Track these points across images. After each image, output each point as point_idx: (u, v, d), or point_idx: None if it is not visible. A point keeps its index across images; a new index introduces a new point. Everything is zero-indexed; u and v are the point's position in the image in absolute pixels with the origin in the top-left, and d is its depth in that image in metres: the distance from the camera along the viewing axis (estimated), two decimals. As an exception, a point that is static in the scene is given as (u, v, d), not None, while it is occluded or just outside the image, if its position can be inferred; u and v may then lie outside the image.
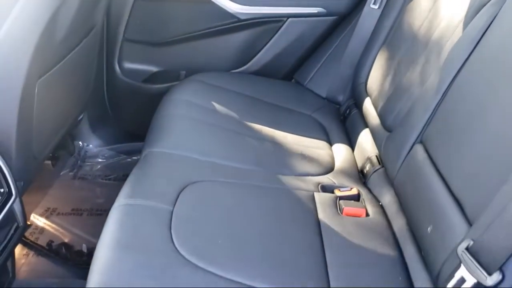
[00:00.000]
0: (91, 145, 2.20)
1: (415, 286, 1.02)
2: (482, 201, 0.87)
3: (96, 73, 1.91)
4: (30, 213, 1.78)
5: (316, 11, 1.88)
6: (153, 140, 1.41)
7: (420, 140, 1.19)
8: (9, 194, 1.20)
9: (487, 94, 1.02)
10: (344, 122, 1.80)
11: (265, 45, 1.94)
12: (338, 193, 1.33)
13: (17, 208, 1.24)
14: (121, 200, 1.11)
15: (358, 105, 1.73)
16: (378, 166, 1.43)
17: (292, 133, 1.60)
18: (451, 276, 0.84)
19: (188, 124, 1.50)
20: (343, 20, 1.91)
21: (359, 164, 1.54)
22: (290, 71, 2.02)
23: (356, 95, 1.74)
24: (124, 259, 0.95)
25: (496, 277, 0.77)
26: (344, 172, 1.47)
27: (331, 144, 1.63)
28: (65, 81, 1.53)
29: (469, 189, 0.95)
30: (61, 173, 2.06)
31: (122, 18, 1.93)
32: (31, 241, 1.67)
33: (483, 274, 0.78)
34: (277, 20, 1.90)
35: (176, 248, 0.99)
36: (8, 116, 1.21)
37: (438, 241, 0.97)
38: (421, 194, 1.08)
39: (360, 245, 1.13)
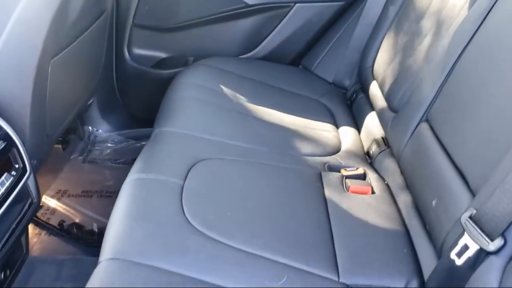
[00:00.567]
0: (100, 130, 2.23)
1: (420, 257, 1.05)
2: (485, 173, 0.90)
3: (106, 59, 1.94)
4: (42, 195, 1.82)
5: (323, -3, 1.90)
6: (163, 120, 1.44)
7: (426, 118, 1.22)
8: (24, 170, 1.23)
9: (490, 73, 1.04)
10: (350, 107, 1.83)
11: (272, 30, 1.96)
12: (344, 172, 1.35)
13: (31, 184, 1.28)
14: (133, 175, 1.15)
15: (365, 89, 1.75)
16: (384, 147, 1.45)
17: (299, 116, 1.62)
18: (455, 244, 0.86)
19: (197, 106, 1.53)
20: (350, 5, 1.93)
21: (365, 146, 1.56)
22: (297, 56, 2.04)
23: (363, 79, 1.76)
24: (136, 229, 0.99)
25: (498, 242, 0.79)
26: (351, 153, 1.49)
27: (337, 127, 1.65)
28: (77, 63, 1.56)
29: (472, 162, 0.97)
30: (71, 157, 2.09)
31: (132, 4, 1.95)
32: (43, 221, 1.71)
33: (486, 240, 0.80)
34: (285, 6, 1.92)
35: (187, 219, 1.02)
36: (23, 95, 1.24)
37: (442, 213, 0.99)
38: (426, 169, 1.11)
39: (366, 220, 1.15)
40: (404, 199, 1.22)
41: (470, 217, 0.85)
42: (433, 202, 1.03)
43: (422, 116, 1.22)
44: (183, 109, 1.49)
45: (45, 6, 1.21)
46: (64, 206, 1.81)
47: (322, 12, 1.93)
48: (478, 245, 0.82)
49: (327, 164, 1.38)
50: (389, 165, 1.36)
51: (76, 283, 1.00)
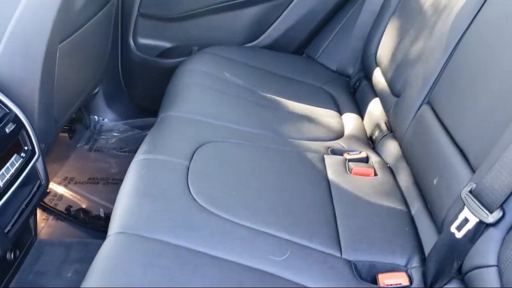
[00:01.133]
0: (106, 120, 2.26)
1: (421, 235, 1.07)
2: (485, 150, 0.91)
3: (111, 48, 1.96)
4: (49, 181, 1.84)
5: (327, -15, 1.91)
6: (169, 105, 1.46)
7: (428, 101, 1.23)
8: (33, 152, 1.26)
9: (490, 54, 1.06)
10: (354, 94, 1.84)
11: (276, 19, 1.98)
12: (347, 156, 1.37)
13: (40, 166, 1.30)
14: (140, 156, 1.17)
15: (368, 77, 1.77)
16: (386, 132, 1.47)
17: (303, 103, 1.64)
18: (455, 218, 0.88)
19: (202, 91, 1.55)
20: (353, -6, 1.95)
21: (368, 132, 1.58)
22: (301, 45, 2.06)
23: (366, 67, 1.78)
24: (144, 205, 1.01)
25: (496, 214, 0.81)
26: (354, 138, 1.51)
27: (341, 114, 1.67)
28: (83, 49, 1.58)
29: (473, 139, 0.99)
30: (78, 146, 2.12)
31: (137, -7, 1.98)
32: (50, 206, 1.74)
33: (485, 213, 0.82)
34: (288, -5, 1.94)
35: (192, 197, 1.05)
36: (32, 79, 1.26)
37: (443, 190, 1.01)
38: (428, 149, 1.13)
39: (368, 200, 1.17)
40: (406, 180, 1.24)
41: (470, 192, 0.87)
42: (435, 180, 1.05)
43: (424, 99, 1.24)
44: (188, 95, 1.51)
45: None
46: (71, 193, 1.84)
47: (326, 1, 1.95)
48: (478, 218, 0.84)
49: (330, 148, 1.40)
50: (392, 148, 1.38)
51: (84, 264, 1.02)
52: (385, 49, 1.66)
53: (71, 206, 1.74)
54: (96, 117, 2.26)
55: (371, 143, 1.53)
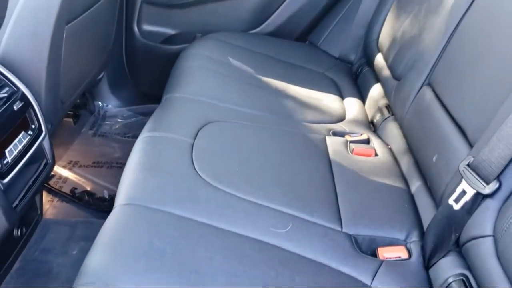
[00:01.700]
0: (110, 106, 2.28)
1: (420, 211, 1.09)
2: (482, 125, 0.93)
3: (116, 33, 1.98)
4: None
5: (330, -28, 1.93)
6: (173, 86, 1.48)
7: (428, 82, 1.25)
8: (40, 131, 1.28)
9: (488, 34, 1.08)
10: (356, 80, 1.86)
11: (279, 6, 2.00)
12: (348, 138, 1.39)
13: (46, 145, 1.33)
14: (145, 133, 1.19)
15: (370, 63, 1.79)
16: (388, 115, 1.49)
17: (305, 88, 1.66)
18: (453, 191, 0.91)
19: (206, 74, 1.57)
20: (355, -19, 1.96)
21: (370, 116, 1.60)
22: (304, 32, 2.08)
23: (368, 52, 1.79)
24: (149, 178, 1.03)
25: (493, 185, 0.83)
26: (355, 121, 1.53)
27: (343, 99, 1.69)
28: (89, 32, 1.61)
29: (471, 116, 1.01)
30: (82, 131, 2.14)
31: (142, -21, 2.00)
32: (55, 188, 1.76)
33: (482, 184, 0.84)
34: (291, -18, 1.95)
35: (197, 172, 1.07)
36: (39, 58, 1.28)
37: (442, 167, 1.03)
38: (427, 127, 1.15)
39: (368, 178, 1.19)
40: (406, 160, 1.26)
41: (468, 165, 0.89)
42: (434, 158, 1.07)
43: (425, 80, 1.26)
44: (192, 77, 1.54)
45: (60, -29, 1.25)
46: (75, 175, 1.87)
47: (329, -12, 1.97)
48: (475, 189, 0.86)
49: (332, 130, 1.42)
50: (393, 130, 1.40)
51: (89, 242, 1.04)
52: (386, 34, 1.68)
53: (76, 188, 1.76)
54: (100, 103, 2.28)
55: (373, 126, 1.55)
